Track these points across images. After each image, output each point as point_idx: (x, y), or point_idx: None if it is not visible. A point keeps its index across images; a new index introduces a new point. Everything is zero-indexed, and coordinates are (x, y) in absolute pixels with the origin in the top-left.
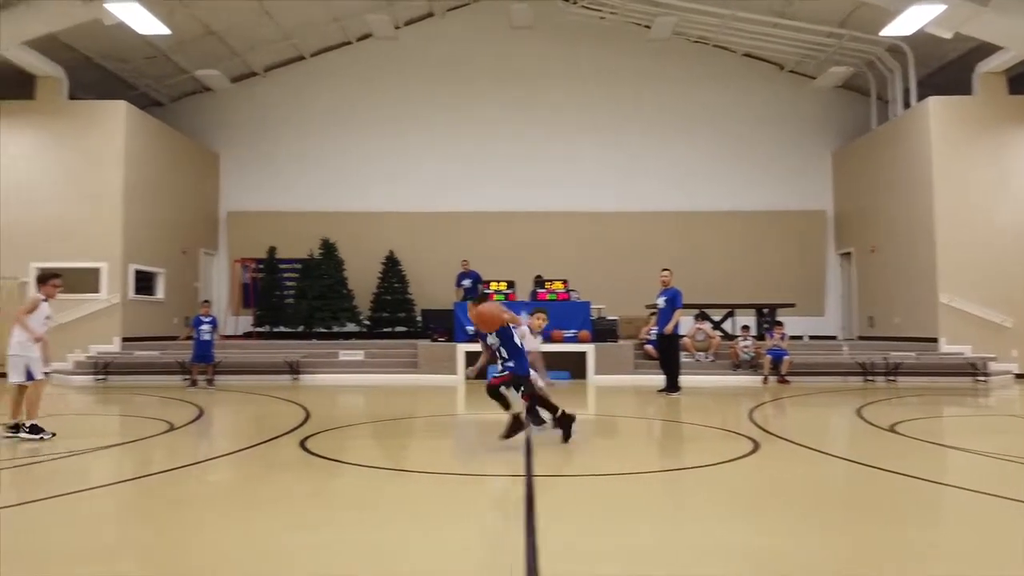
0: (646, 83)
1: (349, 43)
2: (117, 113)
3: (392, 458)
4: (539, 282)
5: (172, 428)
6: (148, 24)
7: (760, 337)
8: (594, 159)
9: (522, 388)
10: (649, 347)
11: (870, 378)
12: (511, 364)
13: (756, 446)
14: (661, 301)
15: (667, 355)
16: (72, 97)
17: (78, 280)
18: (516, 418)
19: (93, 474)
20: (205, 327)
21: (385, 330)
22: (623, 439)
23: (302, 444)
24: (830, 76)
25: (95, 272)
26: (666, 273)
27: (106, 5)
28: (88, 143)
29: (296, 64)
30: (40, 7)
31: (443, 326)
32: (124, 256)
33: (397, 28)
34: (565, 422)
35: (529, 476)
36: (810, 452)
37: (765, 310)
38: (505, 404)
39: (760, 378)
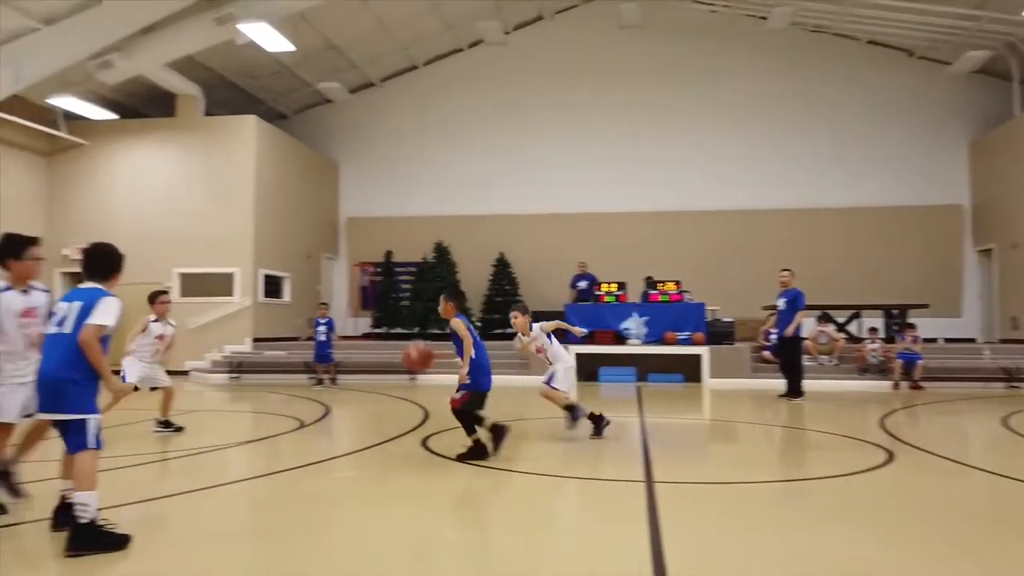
0: (760, 77)
1: (460, 50)
2: (248, 127)
3: (508, 459)
4: (650, 283)
5: (302, 425)
6: (275, 42)
7: (890, 340)
8: (708, 156)
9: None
10: (766, 353)
11: (1014, 384)
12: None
13: (890, 456)
14: (781, 303)
15: (788, 359)
16: (208, 113)
17: (214, 284)
18: (494, 428)
19: (232, 468)
20: (322, 328)
21: (496, 331)
22: (743, 446)
23: (423, 443)
24: (966, 61)
25: (229, 277)
26: (786, 274)
27: (238, 26)
28: (222, 156)
29: (410, 73)
30: (180, 30)
31: None
32: (255, 261)
33: (507, 33)
34: (496, 435)
35: (649, 482)
36: (950, 464)
37: (895, 311)
38: (471, 425)
39: (890, 383)
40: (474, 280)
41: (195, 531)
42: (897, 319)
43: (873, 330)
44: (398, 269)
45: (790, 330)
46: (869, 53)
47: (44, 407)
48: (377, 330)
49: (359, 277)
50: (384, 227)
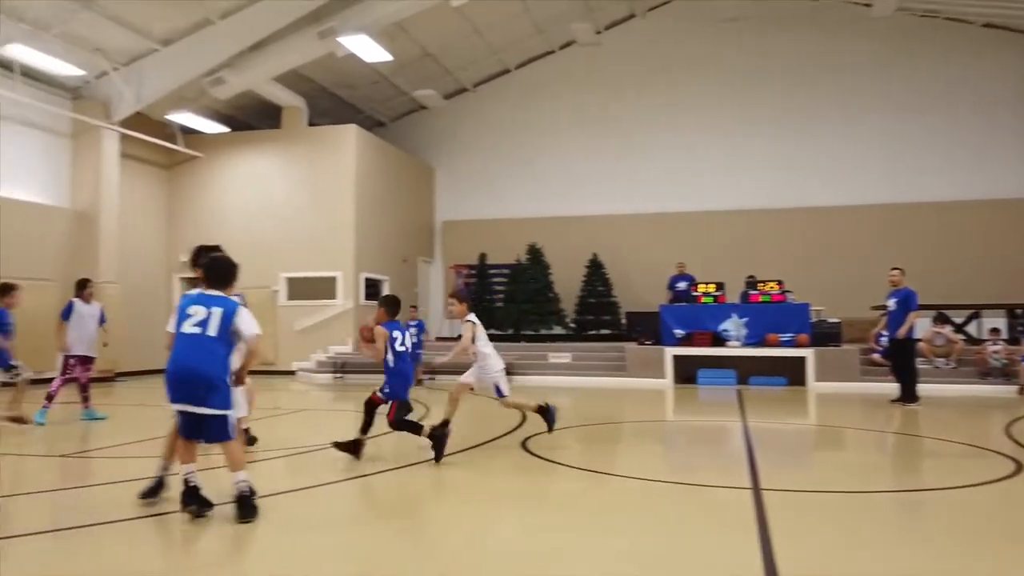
0: (864, 68)
1: (552, 52)
2: (348, 136)
3: (609, 462)
4: (751, 283)
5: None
6: (374, 52)
7: (1014, 341)
8: (807, 151)
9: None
10: (876, 356)
11: None
12: (386, 389)
13: (1018, 467)
14: (892, 303)
15: (901, 362)
16: (311, 124)
17: (318, 288)
18: (432, 437)
19: (338, 467)
20: (412, 330)
21: (590, 332)
22: (854, 454)
23: (523, 444)
24: None
25: (332, 280)
26: (896, 272)
27: (339, 39)
28: (325, 164)
29: (503, 77)
30: (285, 46)
31: (649, 329)
32: (356, 265)
33: (599, 33)
34: (437, 443)
35: (757, 490)
36: None
37: (1020, 311)
38: (415, 430)
39: (1015, 388)
40: (567, 281)
41: (299, 528)
42: (1022, 319)
43: (995, 331)
44: (492, 271)
45: (902, 332)
46: (984, 37)
47: (193, 401)
48: None
49: (454, 279)
50: (478, 230)
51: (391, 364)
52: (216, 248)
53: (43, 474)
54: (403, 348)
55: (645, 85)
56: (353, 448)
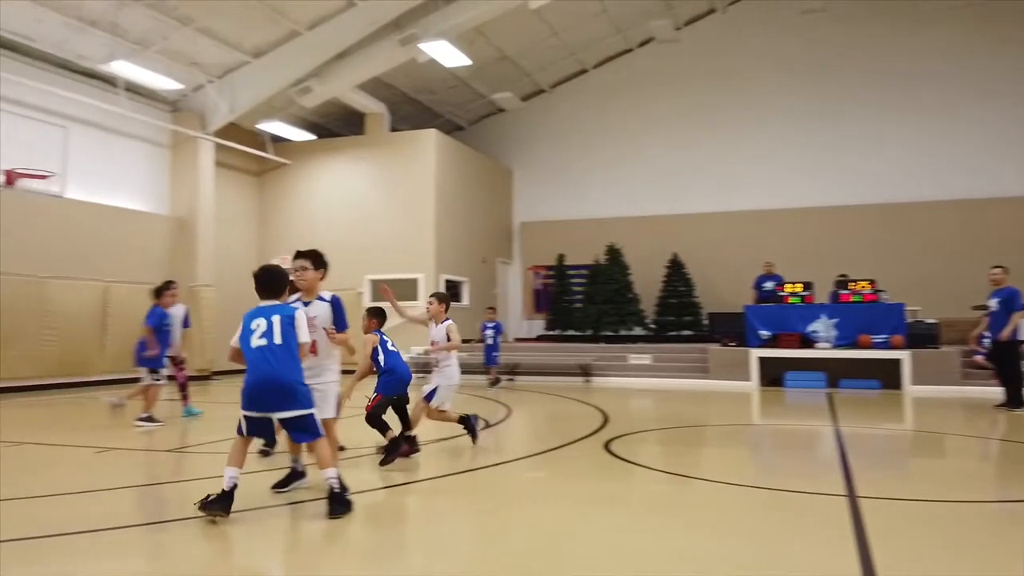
0: (956, 55)
1: (630, 50)
2: (428, 140)
3: (694, 466)
4: (842, 282)
5: (488, 425)
6: (453, 57)
7: None
8: (897, 144)
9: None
10: (979, 358)
11: None
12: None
13: None
14: (993, 303)
15: (1005, 365)
16: (392, 129)
17: (401, 289)
18: (394, 441)
19: (423, 466)
20: (489, 332)
21: (671, 334)
22: (955, 461)
23: (606, 446)
24: None
25: (414, 282)
26: (997, 271)
27: (420, 45)
28: (406, 168)
29: (580, 77)
30: (368, 54)
31: (733, 330)
32: (436, 267)
33: (678, 29)
34: (391, 447)
35: (852, 497)
36: None
37: None
38: (383, 430)
39: None
40: (647, 282)
41: (382, 529)
42: None
43: None
44: (570, 272)
45: (1005, 333)
46: None
47: (279, 407)
48: (551, 332)
49: (532, 280)
50: (556, 230)
51: (383, 364)
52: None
53: (155, 468)
54: (394, 348)
55: (726, 80)
56: (392, 449)
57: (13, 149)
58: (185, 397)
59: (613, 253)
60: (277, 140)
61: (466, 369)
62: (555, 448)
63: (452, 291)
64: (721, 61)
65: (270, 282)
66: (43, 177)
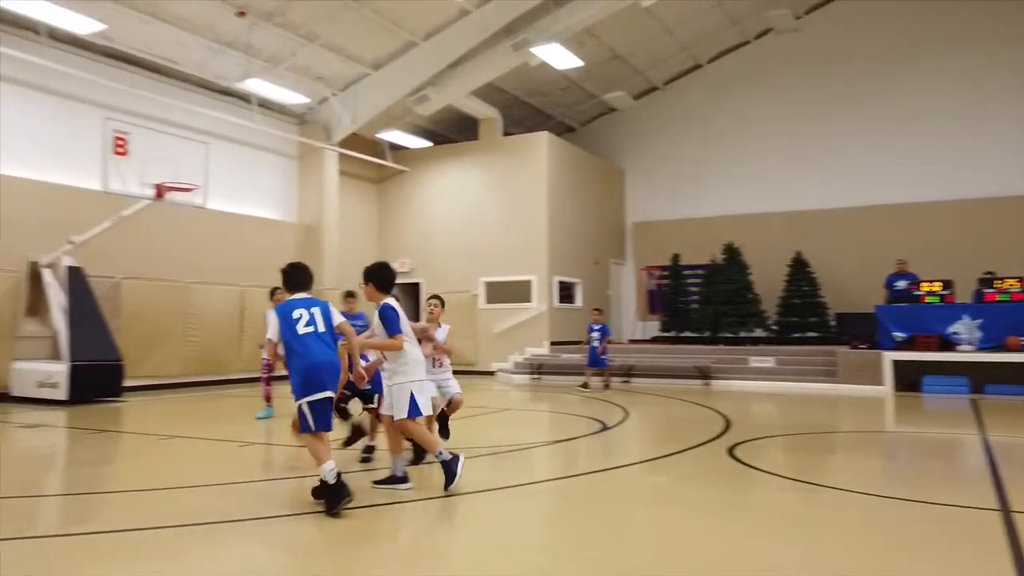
0: None
1: (747, 43)
2: (541, 143)
3: (823, 474)
4: (987, 280)
5: (605, 428)
6: (565, 59)
7: None
8: None
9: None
10: None
11: None
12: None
13: None
14: None
15: None
16: (505, 133)
17: (515, 291)
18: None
19: (543, 467)
20: (595, 334)
21: (794, 335)
22: None
23: (730, 451)
24: None
25: (527, 284)
26: None
27: (532, 49)
28: (519, 171)
29: (694, 73)
30: (482, 61)
31: (863, 331)
32: (549, 269)
33: (798, 18)
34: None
35: (1006, 511)
36: None
37: None
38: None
39: None
40: (768, 282)
41: (501, 528)
42: None
43: None
44: (686, 272)
45: None
46: None
47: (330, 387)
48: (666, 334)
49: (646, 281)
50: (671, 230)
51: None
52: (385, 264)
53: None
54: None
55: (850, 68)
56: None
57: (162, 165)
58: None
59: (731, 252)
60: (395, 148)
61: (583, 371)
62: (676, 452)
63: (566, 293)
64: (844, 48)
65: (298, 276)
66: (188, 190)
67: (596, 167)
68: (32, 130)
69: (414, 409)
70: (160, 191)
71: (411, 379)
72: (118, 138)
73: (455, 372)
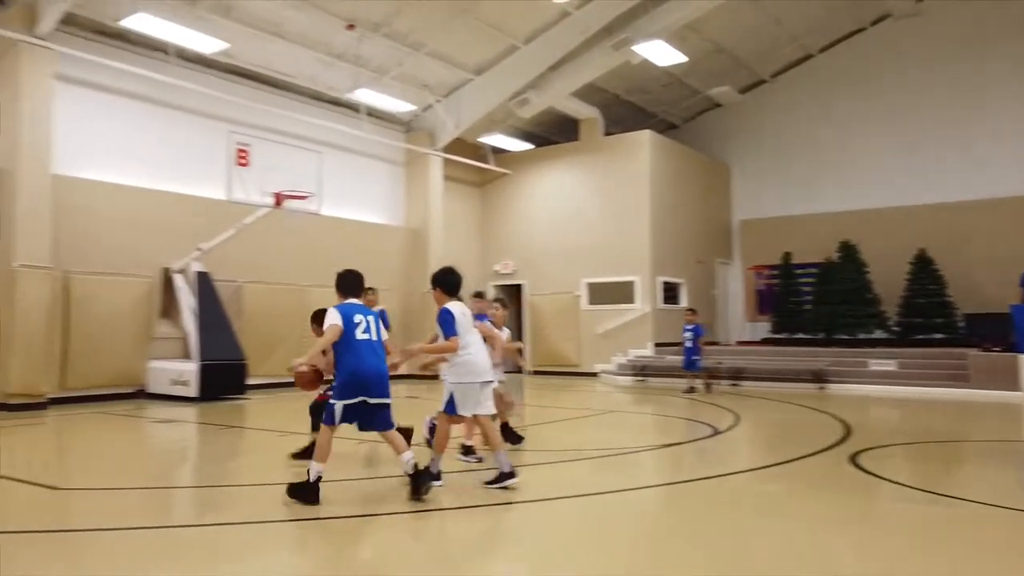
0: None
1: (862, 29)
2: (642, 141)
3: (958, 485)
4: None
5: (716, 432)
6: (667, 56)
7: None
8: None
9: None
10: None
11: None
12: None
13: None
14: None
15: None
16: (606, 133)
17: (618, 292)
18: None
19: (652, 471)
20: (688, 335)
21: (918, 337)
22: None
23: (852, 460)
24: None
25: (630, 285)
26: None
27: (633, 48)
28: (621, 171)
29: (805, 64)
30: (582, 62)
31: (996, 333)
32: (652, 269)
33: (919, 2)
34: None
35: None
36: None
37: None
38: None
39: None
40: (888, 280)
41: (603, 535)
42: None
43: None
44: (798, 271)
45: None
46: None
47: (378, 394)
48: (777, 335)
49: (754, 281)
50: (780, 228)
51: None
52: (451, 269)
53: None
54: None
55: (973, 54)
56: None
57: (279, 174)
58: None
59: (847, 249)
60: (497, 151)
61: (689, 373)
62: (792, 460)
63: (670, 293)
64: (968, 33)
65: (353, 282)
66: (304, 197)
67: (700, 164)
68: (165, 145)
69: (450, 407)
70: (278, 199)
71: (458, 380)
72: (240, 150)
73: (556, 372)
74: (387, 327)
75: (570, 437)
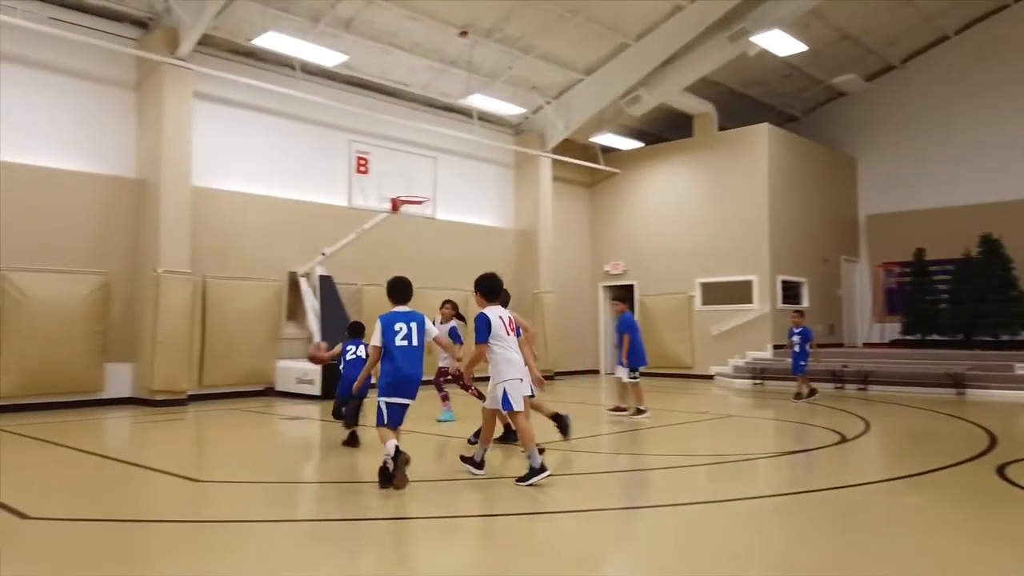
0: None
1: (1005, 7)
2: (760, 135)
3: None
4: None
5: (844, 440)
6: (787, 45)
7: None
8: None
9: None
10: None
11: None
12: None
13: None
14: None
15: None
16: (721, 128)
17: (734, 292)
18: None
19: (774, 479)
20: (795, 338)
21: None
22: None
23: (1000, 471)
24: None
25: (747, 284)
26: None
27: (752, 39)
28: (737, 167)
29: (939, 46)
30: (696, 56)
31: None
32: (771, 268)
33: None
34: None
35: None
36: None
37: None
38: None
39: None
40: None
41: (736, 542)
42: None
43: None
44: (932, 268)
45: None
46: None
47: (411, 396)
48: (908, 337)
49: (883, 279)
50: (912, 222)
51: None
52: (492, 275)
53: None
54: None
55: None
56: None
57: (396, 180)
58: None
59: (989, 244)
60: (607, 151)
61: (810, 376)
62: (931, 471)
63: (790, 293)
64: None
65: (402, 290)
66: (420, 202)
67: (823, 157)
68: (291, 156)
69: (505, 403)
70: (395, 204)
71: (502, 379)
72: (360, 158)
73: (669, 375)
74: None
75: (688, 442)
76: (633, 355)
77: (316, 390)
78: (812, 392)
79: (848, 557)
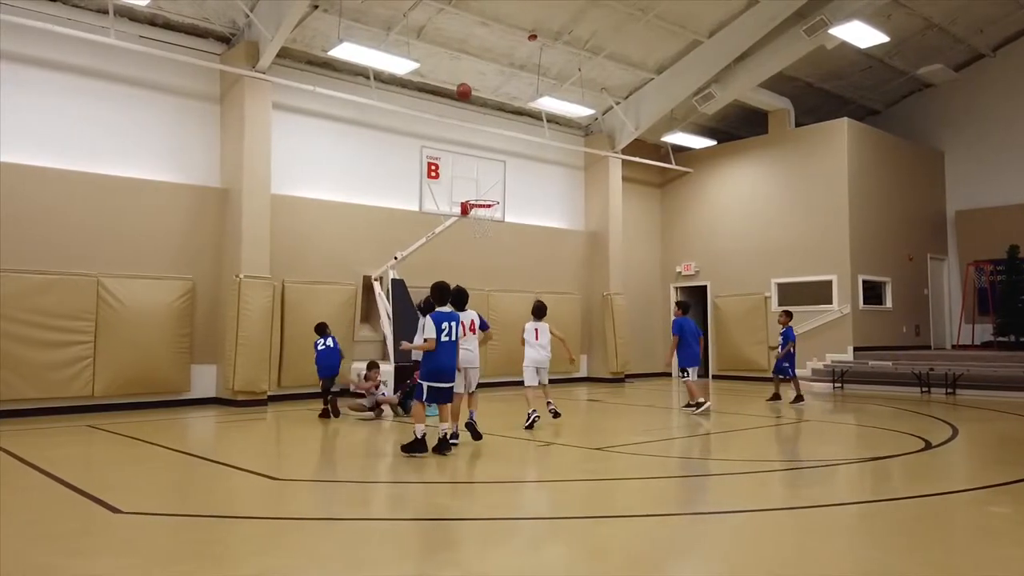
0: None
1: None
2: (839, 131)
3: None
4: None
5: (928, 446)
6: (868, 37)
7: None
8: None
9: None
10: None
11: None
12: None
13: None
14: None
15: None
16: (796, 124)
17: (812, 292)
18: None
19: (861, 487)
20: (780, 339)
21: None
22: None
23: None
24: None
25: (827, 284)
26: None
27: (830, 31)
28: (814, 163)
29: None
30: (771, 50)
31: None
32: (852, 267)
33: None
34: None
35: None
36: None
37: None
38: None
39: None
40: None
41: (817, 550)
42: None
43: None
44: None
45: None
46: None
47: (450, 380)
48: (1002, 339)
49: (974, 278)
50: (1006, 218)
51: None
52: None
53: (591, 463)
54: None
55: None
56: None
57: (466, 184)
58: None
59: None
60: (678, 150)
61: (892, 379)
62: (1021, 480)
63: (872, 293)
64: None
65: (442, 295)
66: (489, 206)
67: (907, 151)
68: (365, 162)
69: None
70: (465, 208)
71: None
72: (431, 163)
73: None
74: (484, 328)
75: (765, 447)
76: (681, 356)
77: (388, 391)
78: (776, 397)
79: (930, 567)
